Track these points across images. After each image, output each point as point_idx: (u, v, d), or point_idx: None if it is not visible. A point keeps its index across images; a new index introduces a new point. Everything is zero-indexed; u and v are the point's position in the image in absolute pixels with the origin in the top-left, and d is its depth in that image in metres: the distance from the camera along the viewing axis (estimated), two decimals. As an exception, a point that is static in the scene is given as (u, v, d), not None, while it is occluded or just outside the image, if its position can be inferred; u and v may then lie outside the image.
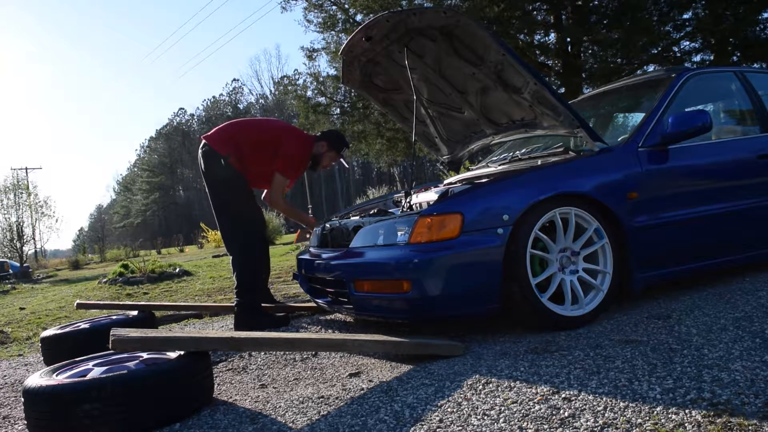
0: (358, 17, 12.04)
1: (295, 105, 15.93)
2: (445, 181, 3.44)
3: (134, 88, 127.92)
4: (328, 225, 3.07)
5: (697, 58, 11.94)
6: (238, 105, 64.46)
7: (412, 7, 3.16)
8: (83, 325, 2.98)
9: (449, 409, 1.58)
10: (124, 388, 1.61)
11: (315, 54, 14.04)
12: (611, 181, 2.51)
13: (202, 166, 3.25)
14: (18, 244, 20.69)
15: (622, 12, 10.10)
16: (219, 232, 3.79)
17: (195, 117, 69.13)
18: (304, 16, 13.08)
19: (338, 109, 14.54)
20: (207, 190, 3.32)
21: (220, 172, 3.15)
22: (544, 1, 11.19)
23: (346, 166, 3.64)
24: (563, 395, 1.58)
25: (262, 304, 3.33)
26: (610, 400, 1.50)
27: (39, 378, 1.70)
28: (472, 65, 2.81)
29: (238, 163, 3.16)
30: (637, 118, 3.09)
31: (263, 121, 3.62)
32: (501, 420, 1.46)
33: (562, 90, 11.29)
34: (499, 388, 1.70)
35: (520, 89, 2.73)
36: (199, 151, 3.25)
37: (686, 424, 1.31)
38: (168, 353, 1.90)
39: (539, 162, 2.76)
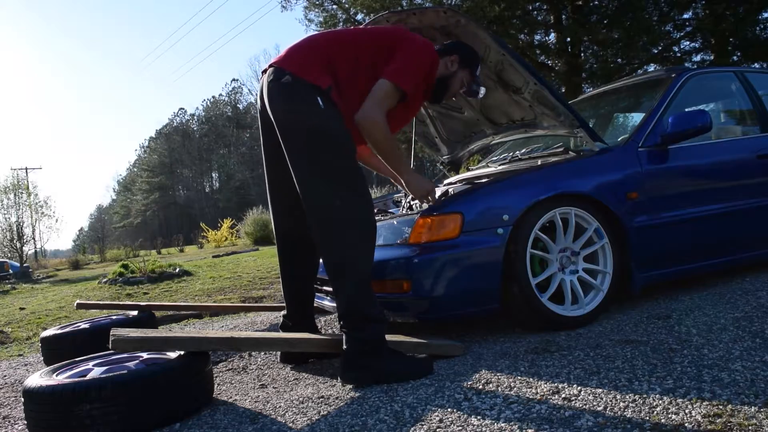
0: (359, 16, 12.04)
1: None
2: (445, 181, 3.44)
3: (134, 88, 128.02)
4: None
5: (697, 58, 11.96)
6: (238, 105, 64.46)
7: (412, 7, 3.15)
8: (83, 325, 2.98)
9: (449, 409, 1.58)
10: (124, 388, 1.61)
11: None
12: (611, 181, 2.51)
13: (278, 110, 2.01)
14: (18, 244, 20.68)
15: (622, 12, 10.11)
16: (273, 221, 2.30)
17: (195, 117, 69.18)
18: (304, 15, 13.10)
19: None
20: (270, 144, 2.15)
21: (314, 118, 1.96)
22: (544, 1, 11.20)
23: (482, 92, 2.44)
24: (563, 395, 1.58)
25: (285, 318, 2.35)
26: (610, 400, 1.50)
27: (39, 378, 1.70)
28: (472, 65, 2.81)
29: (338, 100, 2.04)
30: (637, 118, 3.09)
31: (359, 29, 2.37)
32: (501, 420, 1.46)
33: (562, 90, 11.29)
34: (499, 388, 1.70)
35: (520, 89, 2.73)
36: (270, 84, 2.03)
37: (686, 424, 1.31)
38: (168, 353, 1.90)
39: (539, 162, 2.76)
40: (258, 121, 2.21)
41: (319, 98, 1.97)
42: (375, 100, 2.04)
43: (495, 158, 3.52)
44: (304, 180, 1.99)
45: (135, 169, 73.54)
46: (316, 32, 2.23)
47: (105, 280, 7.55)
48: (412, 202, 2.82)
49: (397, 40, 2.14)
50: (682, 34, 11.64)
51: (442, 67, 2.28)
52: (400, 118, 2.28)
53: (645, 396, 1.51)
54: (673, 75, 2.99)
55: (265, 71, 2.11)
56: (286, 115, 2.00)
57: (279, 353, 2.43)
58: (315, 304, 2.73)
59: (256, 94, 2.19)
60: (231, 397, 2.00)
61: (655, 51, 11.11)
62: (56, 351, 2.80)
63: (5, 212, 21.56)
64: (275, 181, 2.24)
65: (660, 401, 1.46)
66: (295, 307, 2.34)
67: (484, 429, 1.42)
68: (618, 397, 1.52)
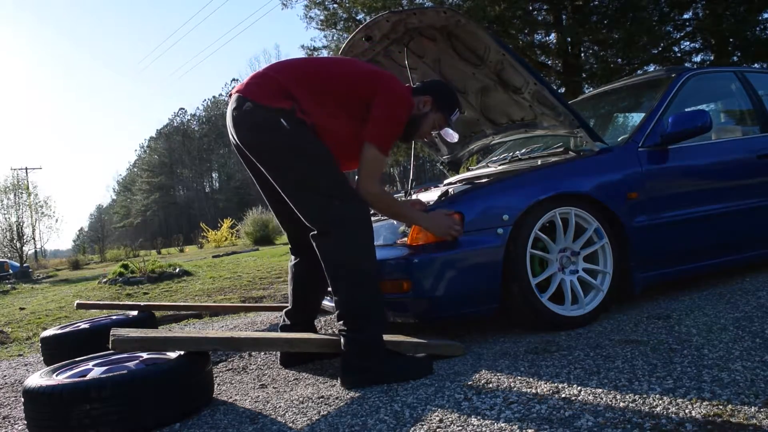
0: (360, 16, 12.03)
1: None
2: (445, 181, 3.44)
3: (134, 88, 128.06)
4: None
5: (697, 58, 11.95)
6: (238, 105, 64.24)
7: (412, 7, 3.15)
8: (83, 325, 2.98)
9: (449, 409, 1.58)
10: (124, 388, 1.61)
11: (315, 53, 14.01)
12: (611, 181, 2.51)
13: (244, 136, 2.03)
14: (18, 244, 20.69)
15: (622, 12, 10.11)
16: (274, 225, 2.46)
17: (195, 117, 69.16)
18: (305, 14, 13.07)
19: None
20: (252, 167, 2.14)
21: (282, 139, 1.97)
22: (544, 1, 11.20)
23: (454, 139, 2.33)
24: (563, 395, 1.58)
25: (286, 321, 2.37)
26: (610, 400, 1.50)
27: (39, 378, 1.70)
28: (472, 65, 2.81)
29: (305, 117, 2.01)
30: (637, 118, 3.09)
31: (331, 60, 2.39)
32: (501, 420, 1.46)
33: (562, 90, 11.29)
34: (499, 388, 1.70)
35: (520, 89, 2.73)
36: (233, 113, 2.04)
37: (686, 424, 1.31)
38: (168, 353, 1.90)
39: (539, 162, 2.76)
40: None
41: (282, 120, 1.97)
42: (368, 173, 2.07)
43: (495, 158, 3.52)
44: (292, 195, 2.02)
45: (135, 169, 73.51)
46: (281, 60, 2.23)
47: (105, 280, 7.55)
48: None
49: (375, 86, 2.07)
50: (682, 34, 11.63)
51: (417, 106, 2.18)
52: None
53: (645, 396, 1.51)
54: (673, 75, 2.99)
55: (230, 96, 2.11)
56: (253, 140, 2.02)
57: (279, 357, 2.43)
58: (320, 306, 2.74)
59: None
60: (231, 397, 2.00)
61: (655, 51, 11.11)
62: (56, 351, 2.80)
63: (5, 212, 21.59)
64: (266, 190, 2.22)
65: (660, 401, 1.46)
66: (298, 309, 2.35)
67: (484, 429, 1.42)
68: (618, 397, 1.52)
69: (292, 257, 2.39)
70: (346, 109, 2.09)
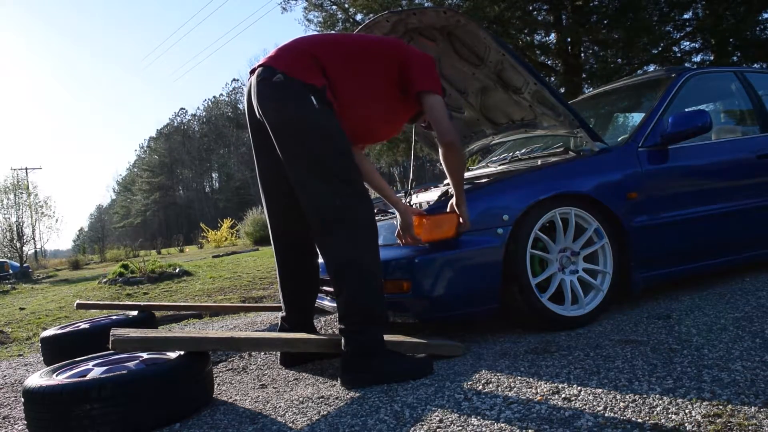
0: (358, 17, 12.03)
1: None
2: (445, 181, 3.44)
3: (134, 88, 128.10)
4: None
5: (697, 58, 11.95)
6: (238, 105, 64.35)
7: (412, 7, 3.14)
8: (83, 325, 2.98)
9: (449, 409, 1.58)
10: (124, 388, 1.61)
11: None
12: (611, 181, 2.51)
13: (269, 109, 1.96)
14: (18, 245, 20.71)
15: (622, 12, 10.11)
16: (271, 222, 2.24)
17: (195, 117, 69.14)
18: (304, 16, 13.07)
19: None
20: (263, 145, 2.09)
21: (309, 117, 1.91)
22: (544, 1, 11.20)
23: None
24: (563, 395, 1.58)
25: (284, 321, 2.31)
26: (610, 400, 1.50)
27: (39, 378, 1.70)
28: (472, 65, 2.81)
29: (333, 100, 1.98)
30: (637, 118, 3.09)
31: (349, 35, 2.39)
32: (501, 420, 1.46)
33: (562, 90, 11.29)
34: (499, 388, 1.70)
35: (520, 89, 2.73)
36: (260, 84, 1.97)
37: (686, 424, 1.31)
38: (168, 353, 1.90)
39: (539, 162, 2.76)
40: (246, 121, 2.16)
41: (312, 97, 1.92)
42: (445, 121, 2.05)
43: (495, 158, 3.52)
44: (302, 181, 1.96)
45: (135, 169, 73.49)
46: (308, 34, 2.17)
47: (105, 280, 7.55)
48: (412, 203, 2.82)
49: (406, 50, 2.10)
50: (682, 34, 11.64)
51: None
52: (397, 125, 2.28)
53: (645, 396, 1.51)
54: (673, 75, 3.00)
55: (253, 71, 2.05)
56: (278, 114, 1.95)
57: (279, 357, 2.43)
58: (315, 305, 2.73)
59: (244, 95, 2.14)
60: (231, 397, 2.00)
61: (655, 51, 11.11)
62: (56, 351, 2.80)
63: (5, 212, 21.63)
64: (268, 180, 2.19)
65: (660, 401, 1.46)
66: (293, 311, 2.30)
67: (484, 429, 1.42)
68: (618, 397, 1.52)
69: (278, 263, 2.27)
70: (377, 78, 2.06)
